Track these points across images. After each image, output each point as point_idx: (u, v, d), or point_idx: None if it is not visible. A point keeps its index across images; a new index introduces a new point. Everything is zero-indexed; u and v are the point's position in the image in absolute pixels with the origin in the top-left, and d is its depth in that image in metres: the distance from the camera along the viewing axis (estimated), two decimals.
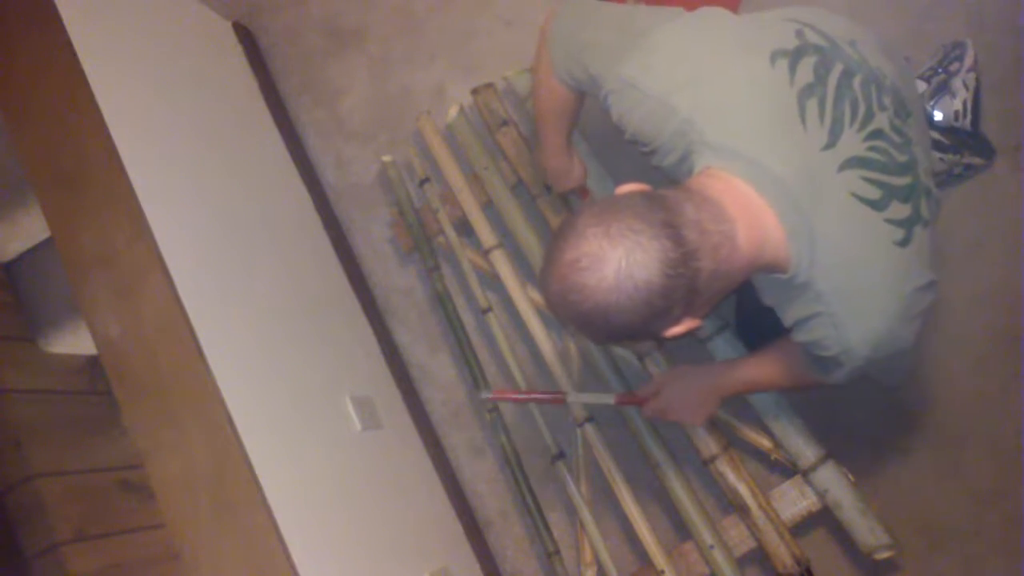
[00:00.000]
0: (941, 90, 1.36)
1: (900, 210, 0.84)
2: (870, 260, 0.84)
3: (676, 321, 0.80)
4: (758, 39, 0.87)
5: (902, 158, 0.86)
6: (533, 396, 1.47)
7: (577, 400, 1.39)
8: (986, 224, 1.40)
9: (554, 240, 0.80)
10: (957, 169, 1.37)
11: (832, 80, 0.85)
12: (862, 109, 0.86)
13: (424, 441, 1.66)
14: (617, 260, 0.75)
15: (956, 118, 1.35)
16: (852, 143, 0.84)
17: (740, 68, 0.86)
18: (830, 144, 0.83)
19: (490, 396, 1.45)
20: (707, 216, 0.78)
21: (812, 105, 0.84)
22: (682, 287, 0.76)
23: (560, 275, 0.78)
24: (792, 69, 0.85)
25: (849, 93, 0.86)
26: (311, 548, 1.09)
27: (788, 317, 0.91)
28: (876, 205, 0.83)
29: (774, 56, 0.85)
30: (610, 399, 1.33)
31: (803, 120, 0.83)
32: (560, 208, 1.51)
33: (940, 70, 1.37)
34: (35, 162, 1.16)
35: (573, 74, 1.03)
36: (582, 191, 1.46)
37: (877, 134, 0.85)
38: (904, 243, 0.84)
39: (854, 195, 0.83)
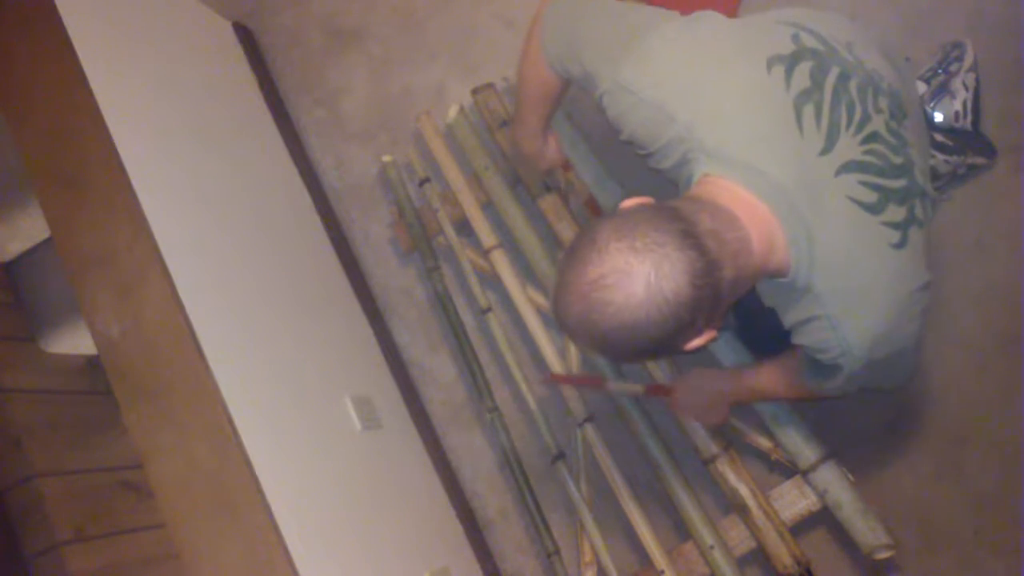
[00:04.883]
0: (941, 91, 1.35)
1: (896, 213, 0.85)
2: (867, 263, 0.84)
3: (698, 333, 0.80)
4: (754, 45, 0.87)
5: (898, 160, 0.87)
6: (579, 379, 1.47)
7: (615, 387, 1.39)
8: (986, 224, 1.40)
9: (569, 258, 0.78)
10: (961, 170, 1.37)
11: (828, 85, 0.86)
12: (858, 113, 0.86)
13: (424, 441, 1.66)
14: (646, 274, 0.73)
15: (956, 119, 1.35)
16: (849, 147, 0.84)
17: (737, 75, 0.86)
18: (827, 149, 0.84)
19: (548, 377, 1.47)
20: (722, 225, 0.78)
21: (808, 111, 0.84)
22: (708, 297, 0.76)
23: (582, 294, 0.76)
24: (788, 75, 0.85)
25: (845, 97, 0.86)
26: (311, 548, 1.09)
27: (788, 319, 0.91)
28: (872, 209, 0.84)
29: (770, 62, 0.85)
30: (640, 389, 1.35)
31: (800, 126, 0.84)
32: (543, 194, 1.52)
33: (940, 71, 1.37)
34: (35, 162, 1.16)
35: (566, 65, 1.02)
36: (564, 166, 1.45)
37: (873, 137, 0.86)
38: (900, 245, 0.85)
39: (851, 199, 0.83)
